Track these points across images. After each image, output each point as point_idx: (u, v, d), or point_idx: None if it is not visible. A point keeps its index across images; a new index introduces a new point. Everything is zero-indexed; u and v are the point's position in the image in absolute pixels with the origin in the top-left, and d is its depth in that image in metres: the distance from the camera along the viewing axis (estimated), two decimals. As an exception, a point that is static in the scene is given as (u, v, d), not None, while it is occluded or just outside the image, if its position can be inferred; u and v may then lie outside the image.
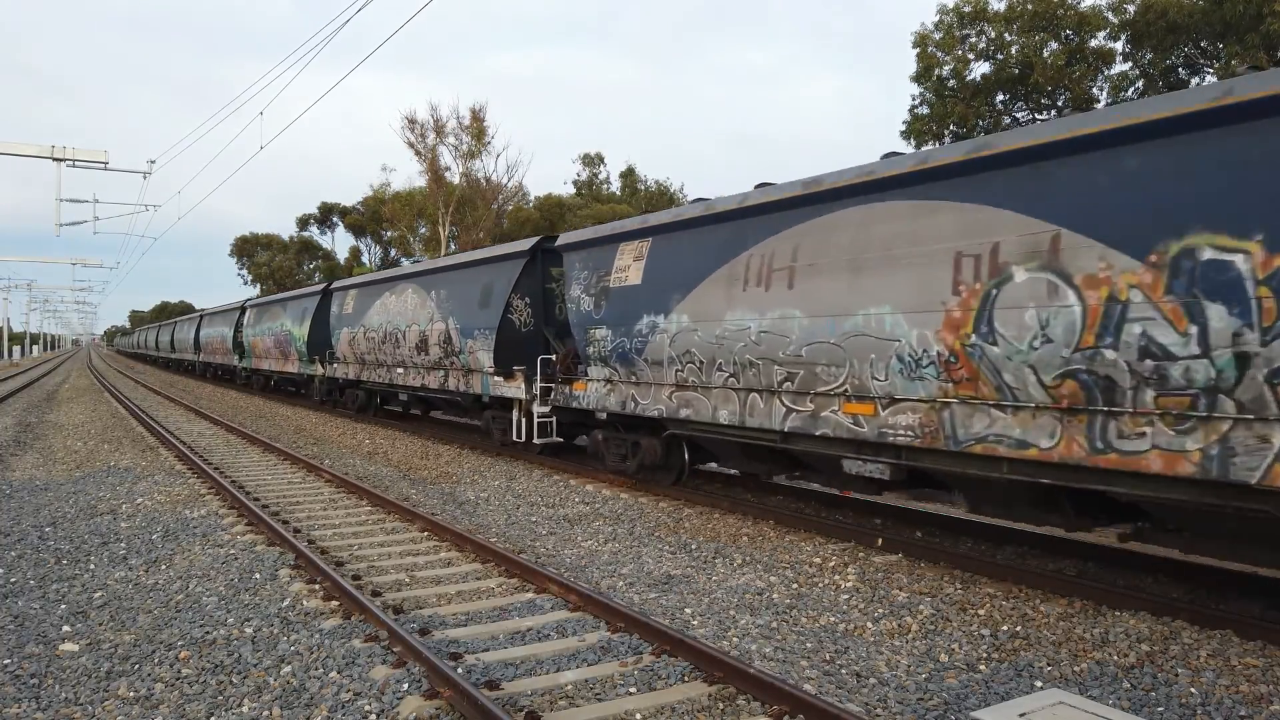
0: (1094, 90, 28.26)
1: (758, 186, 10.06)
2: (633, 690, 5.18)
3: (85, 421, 21.88)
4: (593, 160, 64.84)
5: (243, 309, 33.71)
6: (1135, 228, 6.09)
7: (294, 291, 28.76)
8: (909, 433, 7.75)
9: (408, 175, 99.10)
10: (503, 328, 14.45)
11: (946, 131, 29.55)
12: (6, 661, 5.84)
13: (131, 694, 5.29)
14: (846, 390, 8.27)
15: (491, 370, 14.75)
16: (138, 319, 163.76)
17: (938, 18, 29.47)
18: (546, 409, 13.55)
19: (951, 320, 7.27)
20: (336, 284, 24.25)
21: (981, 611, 6.63)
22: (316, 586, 7.21)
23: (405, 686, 5.15)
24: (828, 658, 5.78)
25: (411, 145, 46.45)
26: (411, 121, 45.97)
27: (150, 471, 13.59)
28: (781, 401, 9.05)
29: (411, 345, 17.76)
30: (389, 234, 61.45)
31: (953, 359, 7.30)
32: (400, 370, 18.76)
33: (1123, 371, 6.16)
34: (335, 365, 22.92)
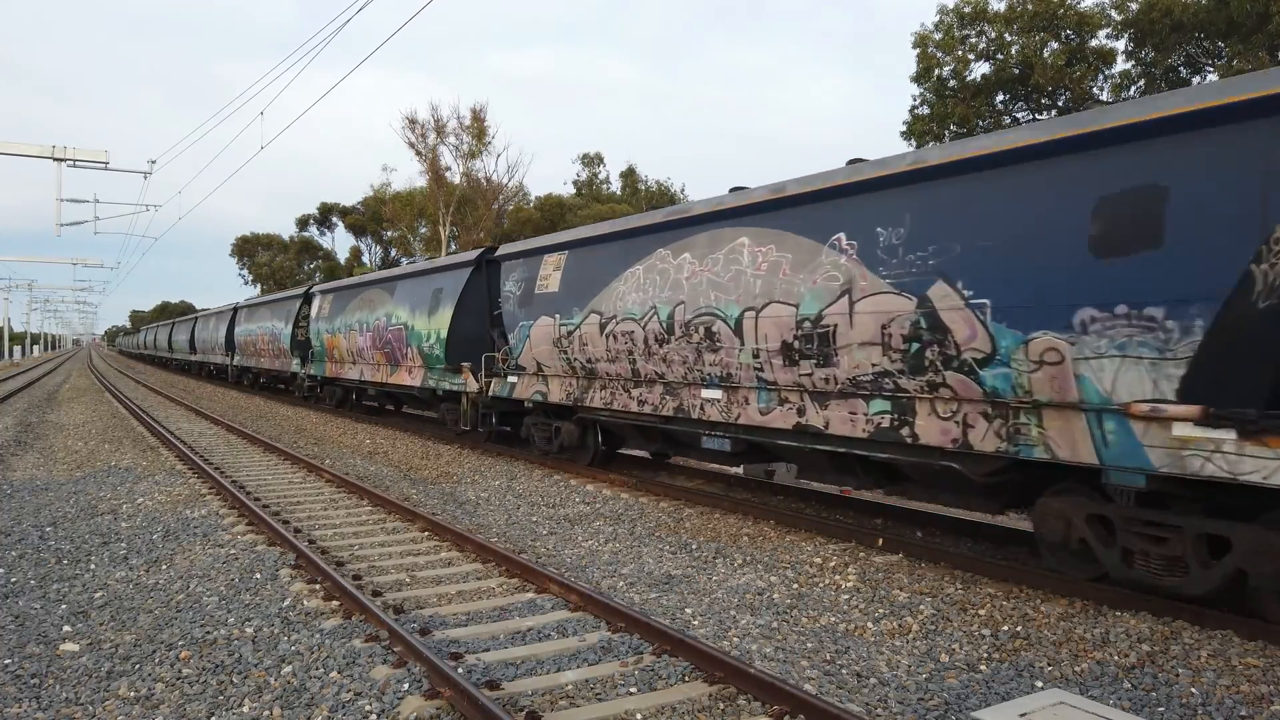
0: (1094, 90, 28.28)
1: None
2: (633, 690, 5.18)
3: (86, 421, 21.89)
4: (592, 160, 64.98)
5: (307, 297, 26.11)
6: None
7: (424, 264, 19.09)
8: None
9: (408, 175, 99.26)
10: None
11: (947, 132, 29.57)
12: (7, 661, 5.85)
13: (132, 694, 5.29)
14: None
15: None
16: (138, 319, 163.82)
17: (938, 18, 29.52)
18: None
19: None
20: (506, 250, 15.25)
21: (982, 611, 6.63)
22: (317, 586, 7.21)
23: (406, 686, 5.15)
24: (828, 658, 5.78)
25: (412, 145, 46.53)
26: (412, 121, 46.05)
27: (151, 471, 13.59)
28: None
29: (897, 339, 7.92)
30: (389, 234, 61.47)
31: None
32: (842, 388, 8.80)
33: None
34: (518, 377, 14.49)
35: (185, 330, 50.34)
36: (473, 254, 16.65)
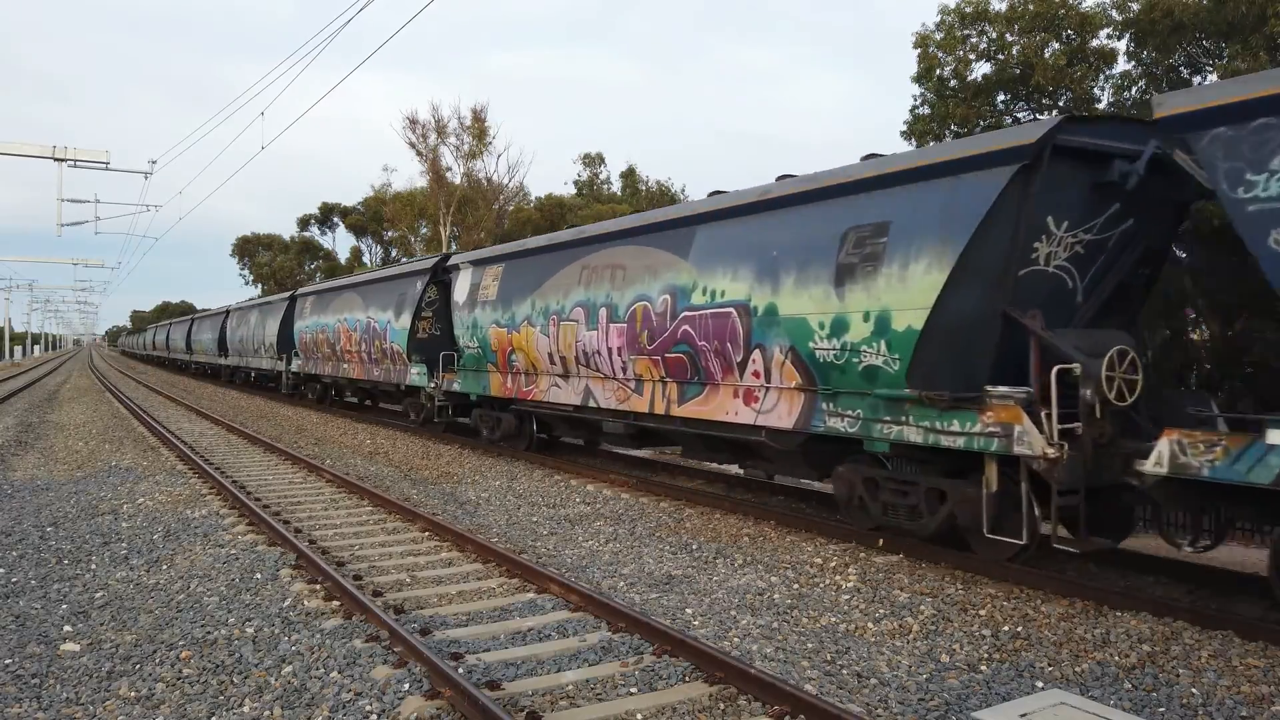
0: (1095, 90, 28.29)
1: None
2: (634, 690, 5.18)
3: (86, 421, 21.89)
4: (593, 160, 64.87)
5: (438, 273, 17.46)
6: None
7: (813, 177, 9.09)
8: None
9: (409, 175, 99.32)
10: None
11: (948, 132, 29.58)
12: (8, 661, 5.85)
13: (133, 694, 5.29)
14: None
15: None
16: (139, 319, 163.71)
17: (938, 18, 29.49)
18: None
19: None
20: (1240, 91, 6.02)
21: (982, 612, 6.63)
22: (317, 586, 7.22)
23: (406, 686, 5.15)
24: (829, 658, 5.78)
25: (413, 145, 46.49)
26: (413, 122, 46.00)
27: (151, 471, 13.59)
28: None
29: None
30: (390, 234, 61.47)
31: None
32: None
33: None
34: None
35: (210, 327, 40.90)
36: (1029, 131, 7.32)
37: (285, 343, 27.37)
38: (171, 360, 56.90)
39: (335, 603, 6.82)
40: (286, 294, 29.26)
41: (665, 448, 13.56)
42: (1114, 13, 27.23)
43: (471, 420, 16.64)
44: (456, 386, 16.22)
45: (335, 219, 72.94)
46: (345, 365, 22.27)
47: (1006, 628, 6.30)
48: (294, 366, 26.73)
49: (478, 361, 15.42)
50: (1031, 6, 27.66)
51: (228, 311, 38.07)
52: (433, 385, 17.02)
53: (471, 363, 15.67)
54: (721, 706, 4.97)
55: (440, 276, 17.50)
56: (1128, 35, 27.24)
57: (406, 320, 18.04)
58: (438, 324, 17.84)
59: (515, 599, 6.96)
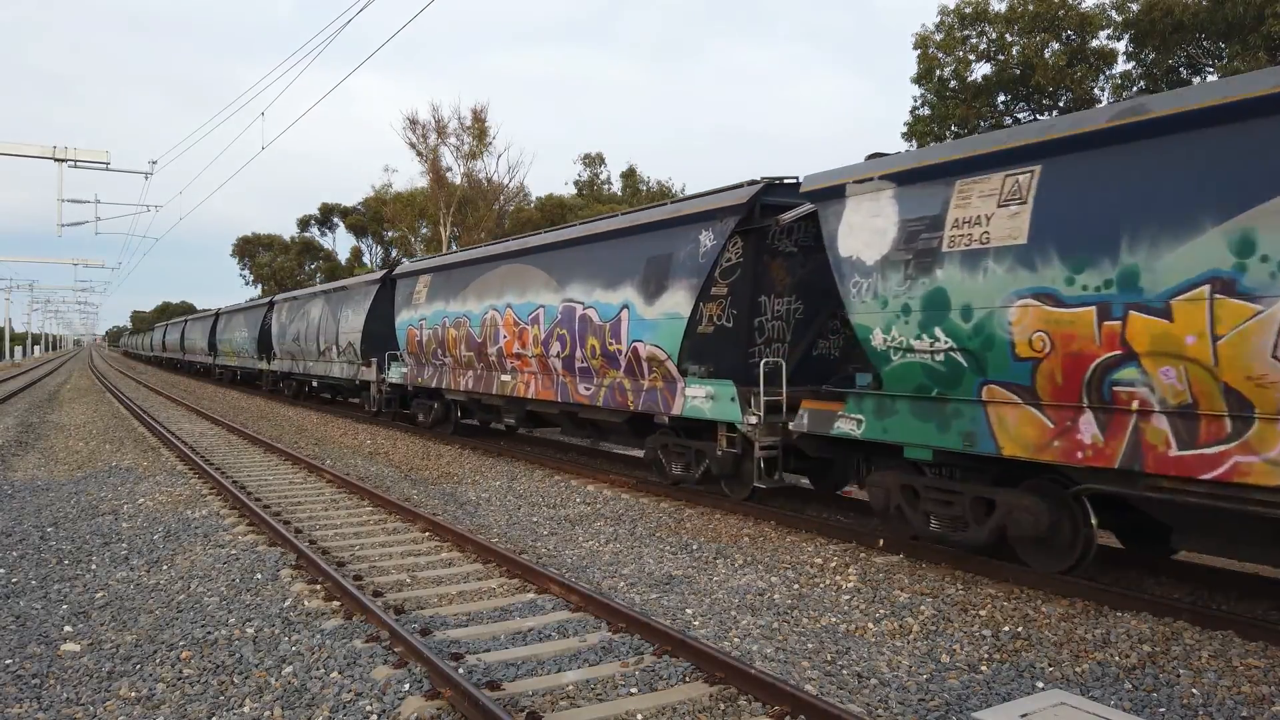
0: (1095, 90, 28.30)
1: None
2: (634, 690, 5.18)
3: (87, 422, 21.89)
4: (593, 160, 64.95)
5: (754, 214, 9.73)
6: None
7: None
8: None
9: (409, 176, 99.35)
10: None
11: (948, 132, 29.58)
12: (8, 661, 5.85)
13: (133, 694, 5.29)
14: None
15: None
16: (139, 319, 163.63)
17: (938, 19, 29.54)
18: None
19: None
20: None
21: (983, 612, 6.63)
22: (318, 587, 7.22)
23: (406, 687, 5.16)
24: (829, 658, 5.78)
25: (413, 146, 46.60)
26: (413, 122, 46.12)
27: (152, 472, 13.59)
28: None
29: None
30: (390, 234, 61.48)
31: None
32: None
33: None
34: None
35: (244, 324, 32.85)
36: None
37: (377, 343, 20.13)
38: (187, 364, 48.52)
39: (335, 603, 6.82)
40: (375, 275, 21.61)
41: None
42: (1114, 13, 27.29)
43: (871, 494, 8.70)
44: (854, 431, 8.35)
45: (335, 219, 72.99)
46: (507, 377, 14.26)
47: (1007, 628, 6.30)
48: (394, 376, 18.75)
49: (937, 378, 7.60)
50: (1031, 7, 27.68)
51: (271, 303, 29.91)
52: (750, 423, 9.57)
53: (903, 381, 7.92)
54: (722, 706, 4.97)
55: (757, 223, 9.96)
56: (1128, 35, 27.29)
57: (677, 303, 10.30)
58: (733, 308, 10.31)
59: (515, 599, 6.96)
